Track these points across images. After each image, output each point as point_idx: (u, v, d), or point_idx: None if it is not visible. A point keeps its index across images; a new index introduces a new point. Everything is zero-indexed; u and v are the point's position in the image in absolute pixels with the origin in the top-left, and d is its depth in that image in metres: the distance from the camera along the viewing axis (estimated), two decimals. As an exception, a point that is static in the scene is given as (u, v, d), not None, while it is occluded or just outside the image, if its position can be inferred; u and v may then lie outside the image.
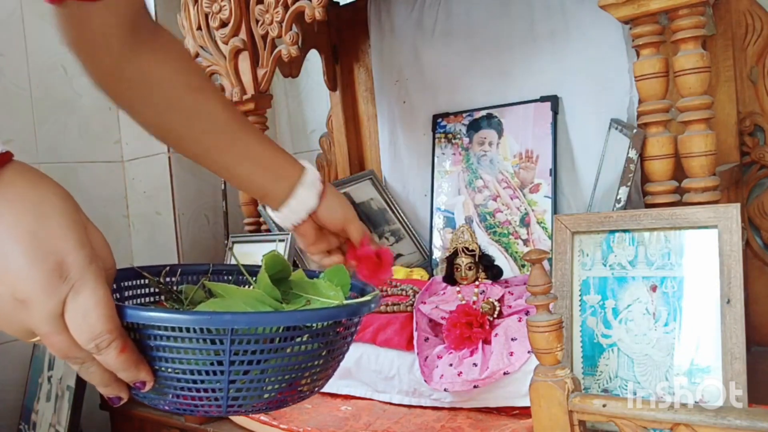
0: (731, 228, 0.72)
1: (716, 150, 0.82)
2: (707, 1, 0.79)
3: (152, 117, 0.63)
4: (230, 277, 0.63)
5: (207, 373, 0.45)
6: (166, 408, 0.48)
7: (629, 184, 0.88)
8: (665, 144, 0.83)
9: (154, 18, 0.62)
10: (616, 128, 1.03)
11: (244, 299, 0.50)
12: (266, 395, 0.48)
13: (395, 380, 0.99)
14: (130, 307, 0.45)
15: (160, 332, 0.44)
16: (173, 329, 0.44)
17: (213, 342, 0.44)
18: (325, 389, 1.07)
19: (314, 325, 0.48)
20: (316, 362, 0.50)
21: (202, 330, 0.44)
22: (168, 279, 0.61)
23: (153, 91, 0.61)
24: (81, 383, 1.29)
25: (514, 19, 1.28)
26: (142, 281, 0.59)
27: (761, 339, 1.02)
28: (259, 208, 1.30)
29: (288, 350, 0.47)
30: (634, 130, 0.89)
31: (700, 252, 0.75)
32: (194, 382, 0.45)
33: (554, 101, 1.23)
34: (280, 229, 1.25)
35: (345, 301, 0.53)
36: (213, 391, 0.46)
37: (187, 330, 0.44)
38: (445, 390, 0.91)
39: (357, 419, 0.97)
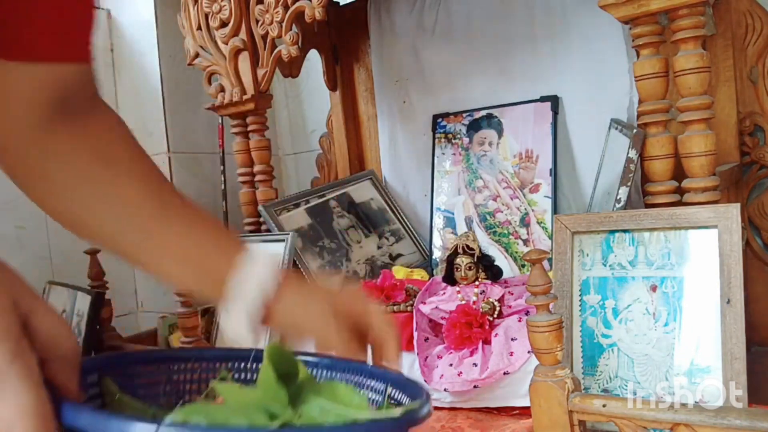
0: (731, 228, 0.72)
1: (716, 150, 0.82)
2: (707, 1, 0.80)
3: (51, 198, 0.50)
4: None
5: None
6: None
7: (629, 184, 0.88)
8: (665, 144, 0.83)
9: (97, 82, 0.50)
10: (616, 128, 1.03)
11: (240, 405, 0.38)
12: None
13: (395, 380, 0.99)
14: (72, 405, 0.34)
15: None
16: None
17: None
18: (325, 389, 1.08)
19: None
20: None
21: None
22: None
23: (57, 168, 0.49)
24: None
25: (514, 19, 1.28)
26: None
27: (761, 339, 1.02)
28: (260, 208, 1.30)
29: None
30: (634, 130, 0.89)
31: (700, 252, 0.75)
32: None
33: (554, 101, 1.23)
34: (280, 228, 1.25)
35: (387, 412, 0.40)
36: None
37: None
38: (445, 390, 0.91)
39: (357, 419, 0.97)
